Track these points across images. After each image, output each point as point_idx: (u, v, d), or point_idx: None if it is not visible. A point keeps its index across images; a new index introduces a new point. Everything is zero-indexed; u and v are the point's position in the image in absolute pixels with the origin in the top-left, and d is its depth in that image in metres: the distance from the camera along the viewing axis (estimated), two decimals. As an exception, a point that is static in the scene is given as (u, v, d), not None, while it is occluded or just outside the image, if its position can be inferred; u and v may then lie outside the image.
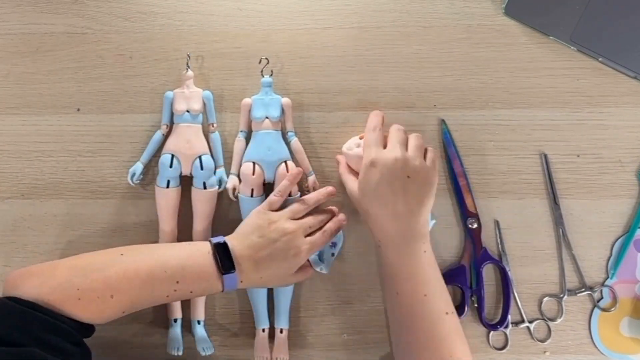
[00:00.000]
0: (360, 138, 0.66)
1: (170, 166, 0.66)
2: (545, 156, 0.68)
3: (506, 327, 0.67)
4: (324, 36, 0.69)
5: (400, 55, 0.69)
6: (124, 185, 0.69)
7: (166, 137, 0.68)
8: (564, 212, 0.67)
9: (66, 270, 0.55)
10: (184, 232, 0.67)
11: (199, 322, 0.67)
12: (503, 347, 0.68)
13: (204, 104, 0.68)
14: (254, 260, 0.58)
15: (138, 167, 0.68)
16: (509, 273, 0.67)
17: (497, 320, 0.68)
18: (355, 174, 0.64)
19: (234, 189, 0.67)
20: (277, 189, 0.64)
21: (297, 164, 0.67)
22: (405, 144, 0.62)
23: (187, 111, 0.67)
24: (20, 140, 0.70)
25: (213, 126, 0.68)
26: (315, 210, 0.65)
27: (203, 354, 0.67)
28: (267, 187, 0.67)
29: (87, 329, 0.56)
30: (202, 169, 0.66)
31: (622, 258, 0.67)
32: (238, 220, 0.64)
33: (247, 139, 0.68)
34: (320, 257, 0.67)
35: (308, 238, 0.61)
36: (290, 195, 0.65)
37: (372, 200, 0.60)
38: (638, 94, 0.68)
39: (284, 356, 0.67)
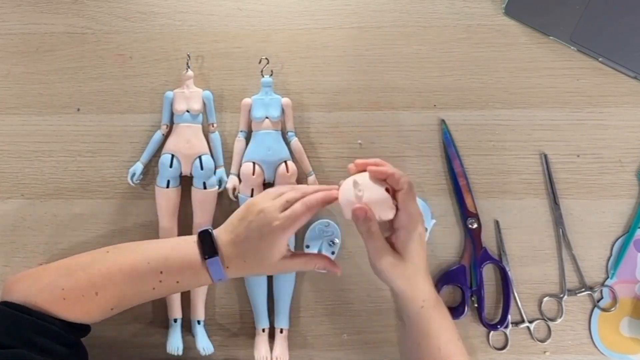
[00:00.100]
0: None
1: (170, 166, 0.66)
2: (545, 156, 0.68)
3: (506, 327, 0.67)
4: (324, 36, 0.69)
5: (400, 55, 0.69)
6: (124, 185, 0.69)
7: (166, 137, 0.68)
8: (564, 212, 0.67)
9: (53, 271, 0.55)
10: (184, 232, 0.67)
11: (199, 322, 0.67)
12: (503, 347, 0.68)
13: (204, 104, 0.68)
14: (234, 243, 0.56)
15: (138, 167, 0.68)
16: (509, 273, 0.67)
17: (497, 320, 0.68)
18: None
19: (234, 189, 0.67)
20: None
21: (297, 164, 0.67)
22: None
23: (187, 111, 0.67)
24: (20, 140, 0.70)
25: (213, 126, 0.68)
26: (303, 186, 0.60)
27: (203, 354, 0.67)
28: (267, 187, 0.67)
29: (80, 329, 0.56)
30: (202, 169, 0.66)
31: (622, 258, 0.67)
32: (238, 220, 0.64)
33: (247, 139, 0.68)
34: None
35: (284, 212, 0.55)
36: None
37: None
38: (638, 94, 0.68)
39: (284, 356, 0.67)
